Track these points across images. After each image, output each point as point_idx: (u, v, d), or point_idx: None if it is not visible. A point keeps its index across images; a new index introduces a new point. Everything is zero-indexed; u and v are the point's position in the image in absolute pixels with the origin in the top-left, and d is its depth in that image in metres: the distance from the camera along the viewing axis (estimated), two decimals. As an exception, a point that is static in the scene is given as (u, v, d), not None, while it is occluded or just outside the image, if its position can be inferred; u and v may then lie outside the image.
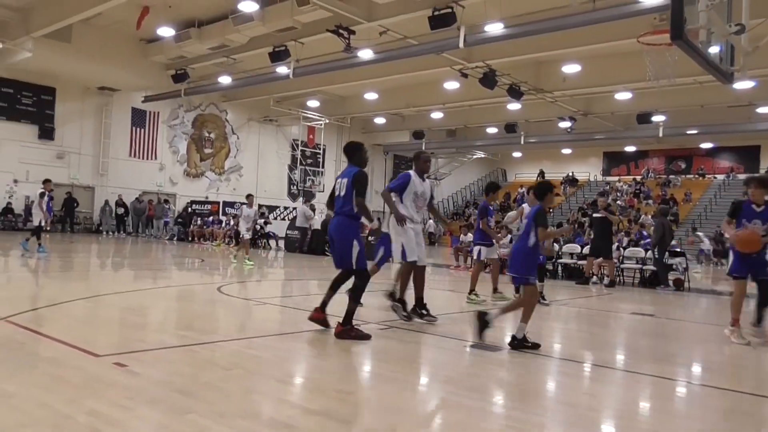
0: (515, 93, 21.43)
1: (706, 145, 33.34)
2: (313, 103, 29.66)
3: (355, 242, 5.49)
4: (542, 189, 6.00)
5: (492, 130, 31.94)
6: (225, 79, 22.97)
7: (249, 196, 14.64)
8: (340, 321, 5.43)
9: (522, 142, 30.85)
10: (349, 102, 29.68)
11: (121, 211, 26.03)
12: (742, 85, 18.54)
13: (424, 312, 6.63)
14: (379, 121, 32.37)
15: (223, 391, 3.75)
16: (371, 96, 27.28)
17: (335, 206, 5.60)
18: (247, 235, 14.45)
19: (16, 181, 23.78)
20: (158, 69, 23.95)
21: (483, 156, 40.30)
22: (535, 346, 5.37)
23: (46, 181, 13.66)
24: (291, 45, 18.80)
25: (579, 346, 6.41)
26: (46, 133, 24.40)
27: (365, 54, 18.13)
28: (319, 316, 5.69)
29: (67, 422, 3.03)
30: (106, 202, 25.88)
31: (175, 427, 3.04)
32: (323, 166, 34.14)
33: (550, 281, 13.48)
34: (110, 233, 25.37)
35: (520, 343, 5.34)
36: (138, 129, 27.29)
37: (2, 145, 22.96)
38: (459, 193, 41.20)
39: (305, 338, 5.65)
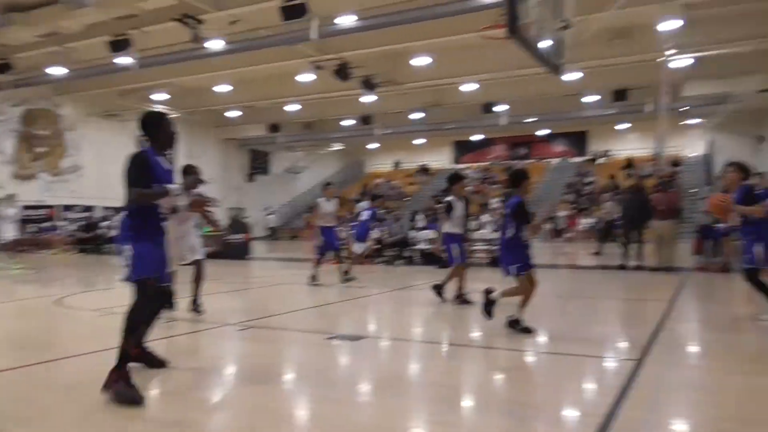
0: (369, 85, 21.76)
1: (543, 132, 36.21)
2: (160, 96, 27.92)
3: (130, 245, 3.96)
4: (517, 177, 5.39)
5: (348, 122, 32.23)
6: (57, 70, 20.87)
7: (10, 196, 13.31)
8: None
9: (377, 134, 31.49)
10: (200, 94, 28.35)
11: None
12: (571, 75, 20.38)
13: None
14: (233, 114, 31.34)
15: (66, 414, 3.40)
16: (224, 88, 26.26)
17: None
18: (9, 236, 13.26)
19: None
20: (-26, 59, 21.22)
21: (340, 148, 40.60)
22: (527, 330, 5.47)
23: None
24: (134, 34, 17.54)
25: (439, 328, 6.67)
26: None
27: (215, 45, 17.40)
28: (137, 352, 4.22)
29: None
30: None
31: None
32: (173, 163, 32.35)
33: (408, 267, 13.95)
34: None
35: (512, 324, 5.54)
36: (-46, 127, 24.02)
37: None
38: (319, 186, 41.19)
39: (159, 348, 5.30)
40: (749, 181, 6.31)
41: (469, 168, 37.97)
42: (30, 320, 7.19)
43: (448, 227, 7.79)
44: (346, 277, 10.08)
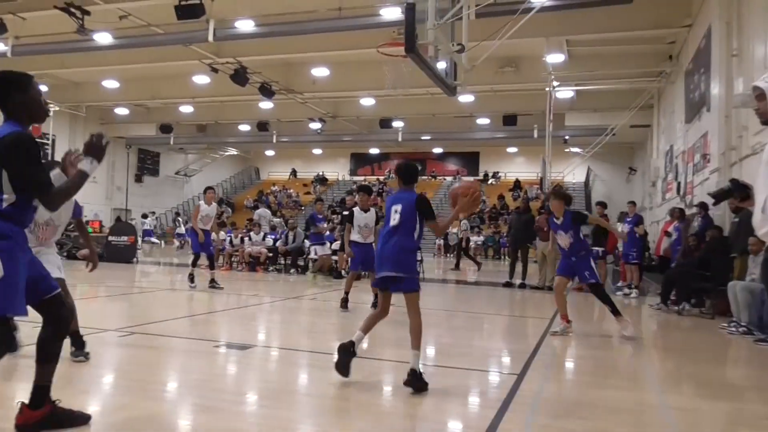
0: (267, 92, 21.54)
1: (437, 150, 37.47)
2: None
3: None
4: (411, 171, 4.52)
5: (245, 127, 31.64)
6: None
7: None
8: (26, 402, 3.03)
9: (274, 141, 31.16)
10: (84, 89, 26.71)
11: None
12: (464, 98, 21.35)
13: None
14: (121, 111, 29.76)
15: None
16: (111, 84, 24.89)
17: None
18: None
19: None
20: None
21: (236, 153, 39.72)
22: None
23: None
24: (9, 18, 16.26)
25: (329, 339, 6.72)
26: None
27: (103, 38, 16.50)
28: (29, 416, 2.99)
29: None
30: None
31: None
32: (53, 158, 30.20)
33: (301, 276, 13.91)
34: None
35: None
36: None
37: None
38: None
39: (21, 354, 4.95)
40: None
41: (365, 180, 38.49)
42: None
43: (353, 236, 8.01)
44: (212, 285, 9.98)
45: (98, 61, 20.29)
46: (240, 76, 19.59)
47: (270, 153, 41.30)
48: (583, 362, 5.80)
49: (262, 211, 17.40)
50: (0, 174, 2.76)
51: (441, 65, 9.25)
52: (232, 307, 8.33)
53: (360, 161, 40.77)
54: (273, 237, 15.90)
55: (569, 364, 5.75)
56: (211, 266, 10.39)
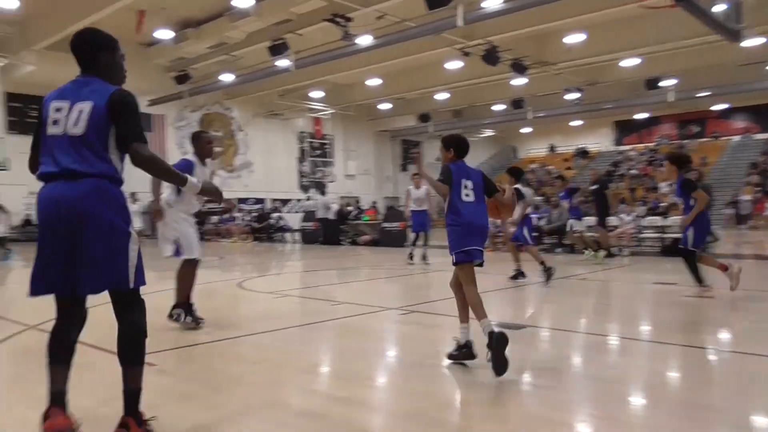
0: (519, 68, 21.26)
1: (719, 107, 32.85)
2: (317, 94, 29.63)
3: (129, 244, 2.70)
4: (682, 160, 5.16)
5: (499, 107, 31.74)
6: (227, 77, 23.00)
7: None
8: (129, 415, 2.77)
9: (530, 117, 30.64)
10: (352, 90, 29.61)
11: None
12: (751, 42, 18.25)
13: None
14: (384, 106, 32.29)
15: (252, 384, 3.83)
16: (374, 82, 27.19)
17: (62, 157, 2.65)
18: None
19: (32, 193, 24.07)
20: (160, 72, 24.03)
21: (492, 134, 40.08)
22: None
23: None
24: (289, 37, 18.77)
25: (599, 320, 6.43)
26: (56, 144, 24.65)
27: (364, 40, 18.07)
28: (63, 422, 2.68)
29: (104, 422, 3.11)
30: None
31: (210, 423, 3.11)
32: (332, 156, 34.16)
33: (567, 256, 13.46)
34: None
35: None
36: (146, 133, 27.47)
37: (15, 159, 23.17)
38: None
39: (328, 327, 5.71)
40: None
41: (633, 149, 35.62)
42: (217, 301, 8.09)
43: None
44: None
45: (361, 63, 22.25)
46: (491, 56, 19.67)
47: (526, 130, 40.75)
48: None
49: (527, 190, 17.26)
50: (108, 132, 2.69)
51: (719, 8, 8.07)
52: (499, 288, 8.47)
53: (625, 129, 37.84)
54: (536, 216, 15.68)
55: None
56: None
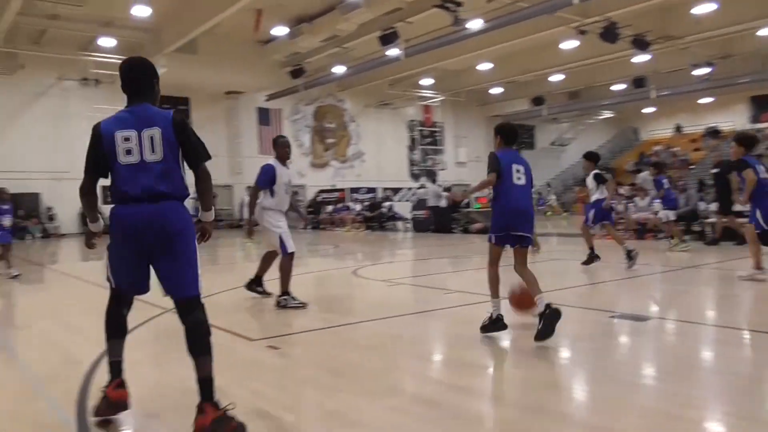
0: (641, 44, 19.98)
1: None
2: (426, 82, 29.63)
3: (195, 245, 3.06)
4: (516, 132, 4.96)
5: (618, 87, 30.06)
6: (339, 69, 23.58)
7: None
8: (207, 401, 2.88)
9: (653, 96, 28.72)
10: (463, 76, 29.29)
11: (256, 205, 27.95)
12: None
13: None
14: (495, 91, 31.67)
15: (368, 369, 3.93)
16: (485, 66, 26.72)
17: (145, 182, 2.89)
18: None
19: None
20: (276, 68, 25.08)
21: (610, 116, 38.10)
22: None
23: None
24: (399, 26, 18.87)
25: (734, 312, 5.95)
26: (186, 141, 26.61)
27: (475, 24, 17.78)
28: (122, 394, 3.06)
29: (236, 401, 3.33)
30: (243, 199, 27.74)
31: (330, 405, 3.23)
32: (443, 144, 34.06)
33: (697, 244, 12.57)
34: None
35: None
36: (264, 127, 28.87)
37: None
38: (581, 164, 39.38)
39: (441, 316, 5.74)
40: None
41: (772, 126, 32.49)
42: (333, 288, 8.38)
43: None
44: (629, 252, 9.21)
45: (472, 47, 21.92)
46: (610, 33, 18.64)
47: (648, 110, 38.29)
48: None
49: (646, 175, 16.20)
50: (178, 153, 2.93)
51: None
52: (622, 277, 8.08)
53: (763, 105, 34.48)
54: (614, 202, 14.81)
55: None
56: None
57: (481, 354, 4.40)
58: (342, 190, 27.56)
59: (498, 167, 4.52)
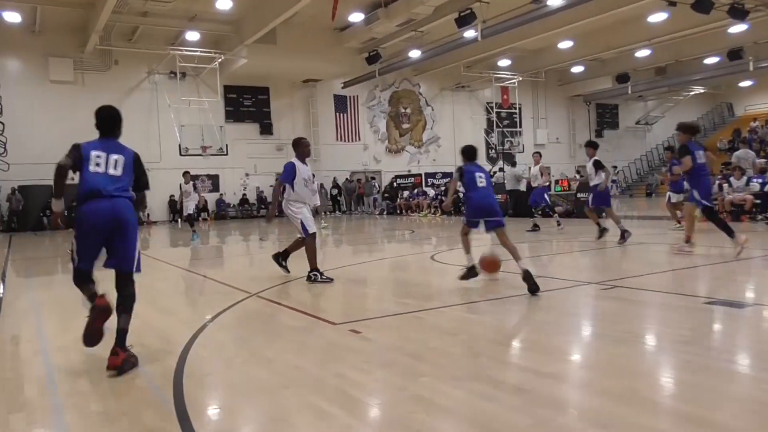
0: (738, 12, 18.62)
1: None
2: (504, 63, 28.98)
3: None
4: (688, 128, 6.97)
5: (711, 60, 28.24)
6: (415, 53, 23.44)
7: (185, 173, 14.99)
8: (119, 346, 3.83)
9: (751, 69, 26.76)
10: (542, 55, 28.41)
11: (335, 191, 28.44)
12: None
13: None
14: (577, 69, 30.54)
15: (452, 355, 3.90)
16: (566, 44, 25.80)
17: (106, 185, 3.96)
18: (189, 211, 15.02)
19: (247, 175, 27.15)
20: (353, 54, 25.26)
21: (702, 91, 35.91)
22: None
23: (185, 174, 15.16)
24: (476, 7, 18.50)
25: None
26: (266, 129, 27.33)
27: (555, 1, 17.16)
28: (104, 300, 3.94)
29: (320, 384, 3.40)
30: (321, 185, 28.24)
31: (414, 390, 3.23)
32: (521, 126, 33.28)
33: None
34: (326, 213, 27.71)
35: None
36: (341, 114, 29.21)
37: (233, 145, 26.18)
38: (675, 137, 37.37)
39: (523, 301, 5.61)
40: None
41: None
42: (411, 273, 8.40)
43: None
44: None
45: (553, 25, 21.18)
46: (703, 3, 17.49)
47: (746, 84, 35.80)
48: None
49: (743, 153, 15.14)
50: (132, 177, 4.12)
51: None
52: (715, 262, 7.63)
53: None
54: (758, 181, 13.81)
55: None
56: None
57: (567, 340, 4.28)
58: (418, 175, 27.52)
59: (462, 176, 6.66)
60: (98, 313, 3.85)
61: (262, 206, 27.03)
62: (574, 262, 8.91)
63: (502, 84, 31.32)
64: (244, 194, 27.20)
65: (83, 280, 4.12)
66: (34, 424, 3.06)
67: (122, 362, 3.73)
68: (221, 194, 26.54)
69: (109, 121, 4.19)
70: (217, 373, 3.78)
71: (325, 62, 24.97)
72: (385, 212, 26.35)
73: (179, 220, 22.14)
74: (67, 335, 4.74)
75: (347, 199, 28.90)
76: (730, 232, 7.42)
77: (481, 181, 6.52)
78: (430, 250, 10.92)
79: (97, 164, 3.99)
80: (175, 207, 23.93)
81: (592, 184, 10.45)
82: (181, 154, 23.35)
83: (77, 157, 3.97)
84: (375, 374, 3.59)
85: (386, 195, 27.70)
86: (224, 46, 22.91)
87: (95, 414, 3.08)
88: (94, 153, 4.00)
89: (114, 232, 3.91)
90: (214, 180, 26.51)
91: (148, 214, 24.01)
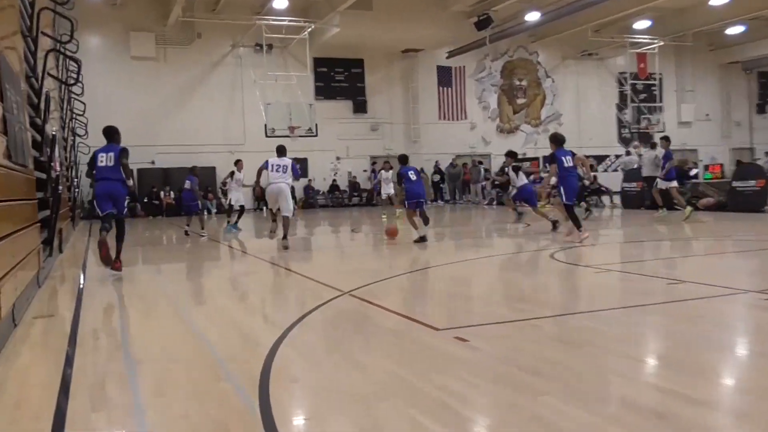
0: None
1: None
2: (641, 25, 27.69)
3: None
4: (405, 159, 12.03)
5: None
6: (533, 16, 22.93)
7: (237, 162, 15.61)
8: (118, 259, 8.40)
9: None
10: (689, 14, 26.91)
11: (437, 178, 28.23)
12: None
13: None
14: (734, 30, 28.67)
15: (574, 370, 3.78)
16: (719, 1, 24.26)
17: (102, 174, 8.22)
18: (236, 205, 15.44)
19: (338, 158, 27.69)
20: (459, 19, 25.08)
21: None
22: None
23: (237, 162, 16.01)
24: (609, -42, 17.83)
25: None
26: (360, 107, 27.75)
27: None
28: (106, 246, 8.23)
29: (420, 396, 3.41)
30: (422, 170, 28.30)
31: (531, 410, 3.16)
32: (661, 100, 31.73)
33: None
34: (427, 202, 27.75)
35: None
36: (444, 89, 29.10)
37: (323, 125, 26.81)
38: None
39: (657, 310, 5.36)
40: None
41: None
42: (527, 274, 8.25)
43: None
44: None
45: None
46: None
47: None
48: None
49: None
50: (119, 165, 8.23)
51: None
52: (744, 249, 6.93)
53: None
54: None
55: None
56: None
57: (713, 358, 4.03)
58: (535, 159, 26.87)
59: (401, 176, 11.25)
60: (102, 245, 8.08)
61: (354, 194, 27.50)
62: (729, 264, 8.41)
63: (638, 50, 29.97)
64: (335, 180, 27.77)
65: (106, 218, 8.19)
66: (114, 425, 3.27)
67: (119, 268, 8.30)
68: (310, 180, 27.21)
69: (110, 134, 8.55)
70: (306, 378, 3.88)
71: (427, 29, 24.96)
72: (494, 202, 26.01)
73: (264, 208, 23.01)
74: (149, 330, 5.04)
75: (450, 186, 28.71)
76: (578, 225, 10.62)
77: (413, 177, 11.13)
78: (549, 247, 10.67)
79: (101, 161, 8.20)
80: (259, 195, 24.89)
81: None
82: (267, 135, 24.16)
83: (94, 159, 8.34)
84: (484, 389, 3.55)
85: (496, 182, 27.34)
86: (314, 14, 23.46)
87: (178, 417, 3.25)
88: (100, 155, 8.28)
89: (113, 197, 8.20)
90: (303, 164, 27.30)
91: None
